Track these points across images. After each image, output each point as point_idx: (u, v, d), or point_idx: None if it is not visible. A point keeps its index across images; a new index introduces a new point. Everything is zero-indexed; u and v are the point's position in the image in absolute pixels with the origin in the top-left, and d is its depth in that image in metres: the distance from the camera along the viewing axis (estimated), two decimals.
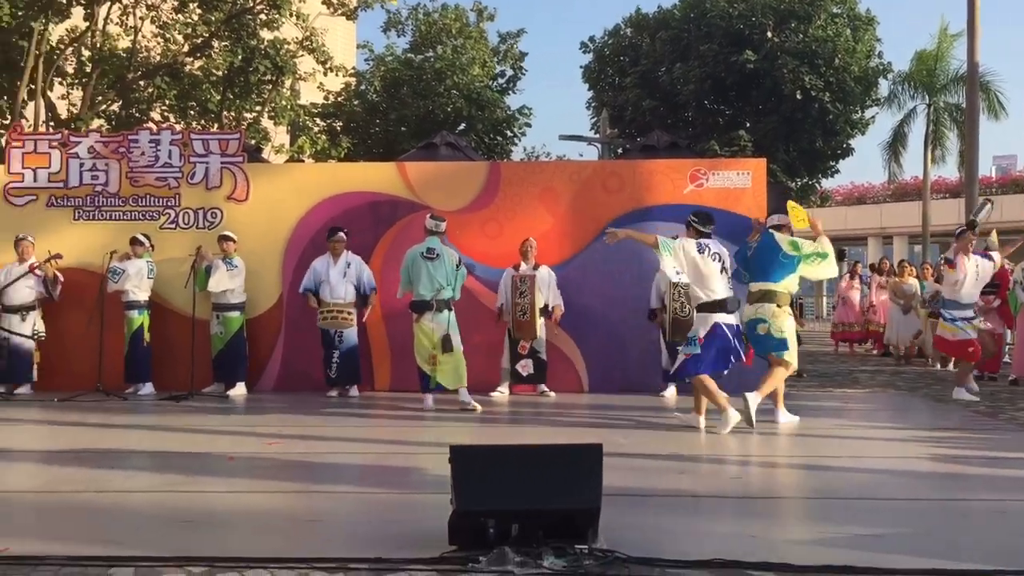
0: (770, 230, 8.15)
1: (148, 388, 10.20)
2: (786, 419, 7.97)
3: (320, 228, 10.61)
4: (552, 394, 9.92)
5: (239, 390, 10.16)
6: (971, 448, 6.95)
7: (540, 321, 9.86)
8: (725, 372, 7.80)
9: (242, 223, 10.64)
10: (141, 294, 10.19)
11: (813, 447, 7.23)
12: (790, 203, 8.55)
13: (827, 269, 8.17)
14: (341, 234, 10.06)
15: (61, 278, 10.28)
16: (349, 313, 9.98)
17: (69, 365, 10.35)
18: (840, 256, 10.29)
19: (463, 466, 4.06)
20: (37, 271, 10.17)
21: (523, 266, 9.98)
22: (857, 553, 4.01)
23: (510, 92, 25.11)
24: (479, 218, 10.61)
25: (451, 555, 3.95)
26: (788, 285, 7.92)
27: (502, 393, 9.96)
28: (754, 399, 7.59)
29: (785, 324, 7.83)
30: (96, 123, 16.43)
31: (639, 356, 10.45)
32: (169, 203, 10.74)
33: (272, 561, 3.91)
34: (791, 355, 7.91)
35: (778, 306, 7.82)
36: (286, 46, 18.10)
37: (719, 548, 4.05)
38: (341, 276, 9.98)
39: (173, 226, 10.71)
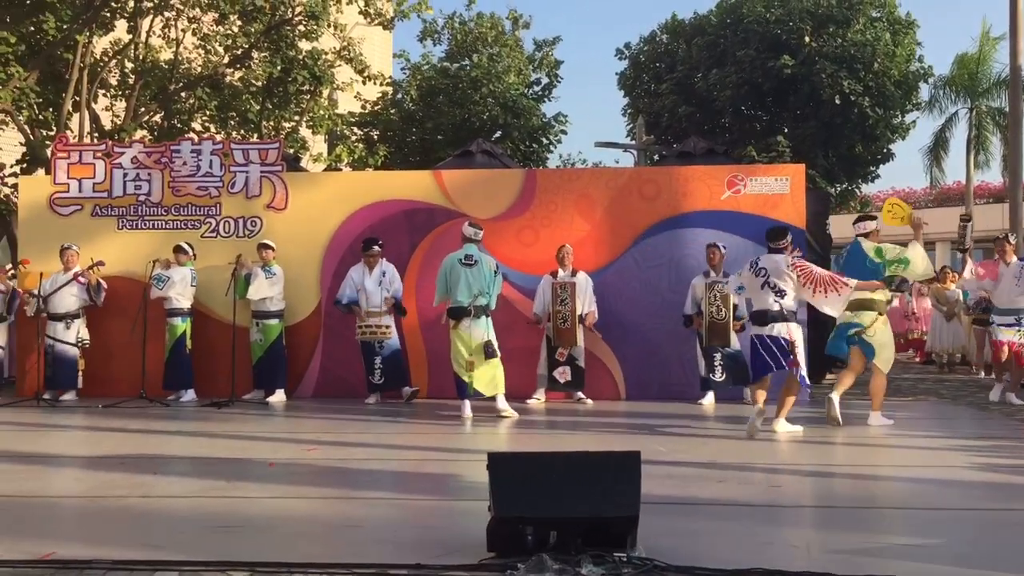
0: (858, 238, 8.50)
1: (190, 395, 10.33)
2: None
3: (358, 236, 10.69)
4: (589, 401, 9.91)
5: (279, 397, 10.26)
6: (1016, 458, 6.83)
7: (580, 328, 9.88)
8: (756, 380, 8.08)
9: (281, 231, 10.76)
10: (184, 301, 10.34)
11: (855, 456, 7.15)
12: (889, 200, 8.81)
13: (912, 274, 8.38)
14: (376, 247, 10.10)
15: (104, 285, 10.44)
16: (387, 327, 10.07)
17: (113, 372, 10.52)
18: None
19: (501, 473, 4.08)
20: (80, 279, 10.34)
21: (561, 273, 9.99)
22: (899, 563, 3.96)
23: (546, 100, 25.11)
24: (515, 225, 10.63)
25: (490, 561, 3.96)
26: (881, 292, 8.23)
27: (538, 400, 9.96)
28: (838, 399, 8.24)
29: (879, 331, 8.24)
30: (139, 134, 16.69)
31: (676, 363, 10.40)
32: (210, 212, 10.88)
33: (312, 566, 3.94)
34: (881, 361, 8.28)
35: (879, 314, 8.26)
36: (324, 56, 18.26)
37: (759, 557, 4.02)
38: (377, 285, 10.07)
39: (214, 235, 10.85)
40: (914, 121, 25.32)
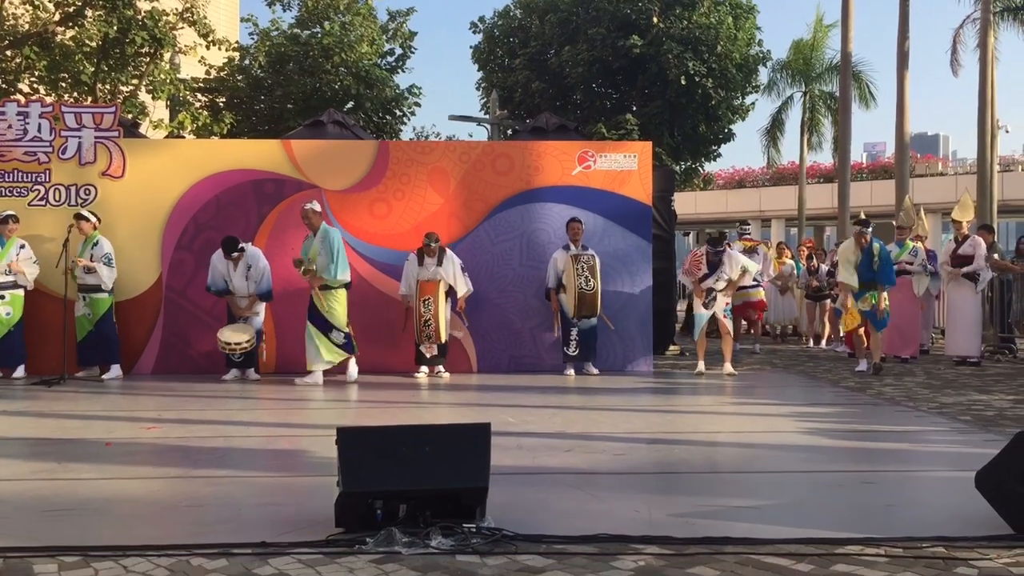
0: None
1: (20, 372, 9.74)
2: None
3: (202, 206, 10.30)
4: (447, 375, 9.91)
5: (114, 373, 9.80)
6: (843, 422, 7.27)
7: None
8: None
9: (118, 201, 10.23)
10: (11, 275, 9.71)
11: (694, 423, 7.44)
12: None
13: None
14: (236, 253, 9.57)
15: None
16: (256, 314, 9.83)
17: None
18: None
19: (349, 447, 4.02)
20: None
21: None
22: (735, 524, 4.15)
23: (399, 71, 24.78)
24: (367, 198, 10.48)
25: (338, 537, 3.91)
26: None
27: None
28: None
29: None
30: None
31: (528, 337, 10.55)
32: (39, 179, 10.22)
33: (150, 548, 3.79)
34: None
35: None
36: (165, 17, 17.39)
37: (603, 523, 4.12)
38: (244, 280, 9.69)
39: (43, 203, 10.20)
40: (753, 103, 26.44)
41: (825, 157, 34.14)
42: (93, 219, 9.82)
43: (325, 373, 9.45)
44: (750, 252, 12.97)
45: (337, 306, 9.43)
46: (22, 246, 9.76)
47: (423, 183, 10.55)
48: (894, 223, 13.91)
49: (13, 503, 4.64)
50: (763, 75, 27.16)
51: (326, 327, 9.42)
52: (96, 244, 9.75)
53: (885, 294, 10.59)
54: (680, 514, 4.37)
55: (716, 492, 4.96)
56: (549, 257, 10.28)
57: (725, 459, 5.96)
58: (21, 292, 9.78)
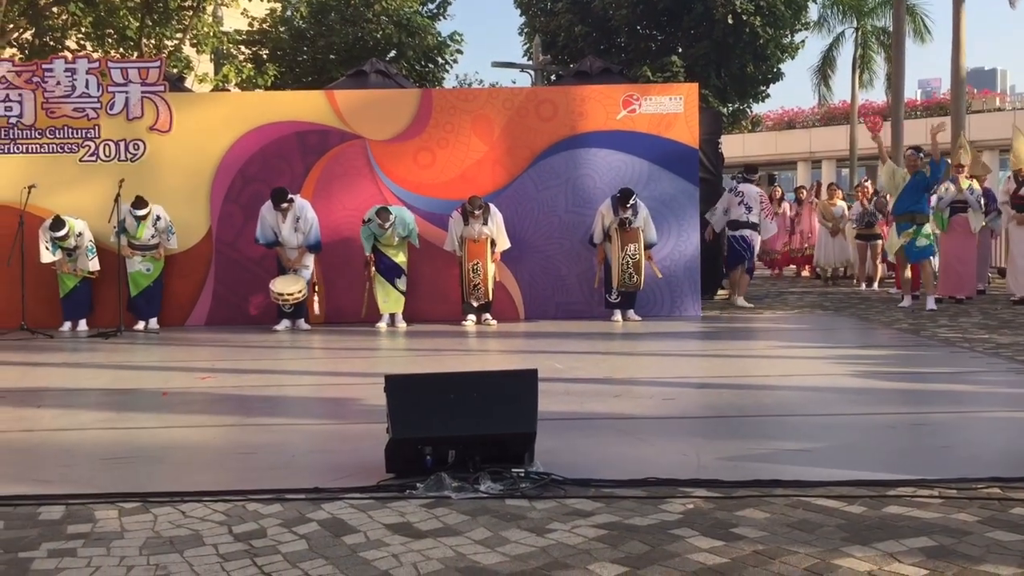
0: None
1: (83, 325, 10.00)
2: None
3: (249, 159, 10.36)
4: (495, 323, 9.94)
5: (154, 325, 10.03)
6: (895, 364, 7.17)
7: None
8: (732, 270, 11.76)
9: (167, 155, 10.32)
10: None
11: (743, 367, 7.39)
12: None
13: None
14: (285, 204, 9.63)
15: None
16: (306, 267, 9.91)
17: None
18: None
19: (398, 395, 4.05)
20: None
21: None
22: (785, 467, 4.12)
23: (441, 18, 24.55)
24: (412, 147, 10.45)
25: (389, 482, 3.96)
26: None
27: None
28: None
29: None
30: (7, 52, 15.69)
31: (575, 282, 10.51)
32: (88, 135, 10.34)
33: (206, 494, 3.87)
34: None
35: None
36: None
37: (653, 467, 4.13)
38: (292, 231, 9.78)
39: (94, 159, 10.34)
40: (803, 41, 25.74)
41: (878, 95, 33.31)
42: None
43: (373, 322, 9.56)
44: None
45: (404, 255, 9.87)
46: (158, 217, 9.92)
47: (467, 131, 10.49)
48: (949, 160, 13.55)
49: (75, 451, 4.77)
50: (813, 12, 26.49)
51: (395, 272, 9.75)
52: (158, 219, 9.89)
53: (927, 226, 10.85)
54: (729, 457, 4.35)
55: (766, 435, 4.93)
56: (595, 203, 10.18)
57: (775, 402, 5.91)
58: (161, 252, 10.04)
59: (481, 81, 28.98)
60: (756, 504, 3.66)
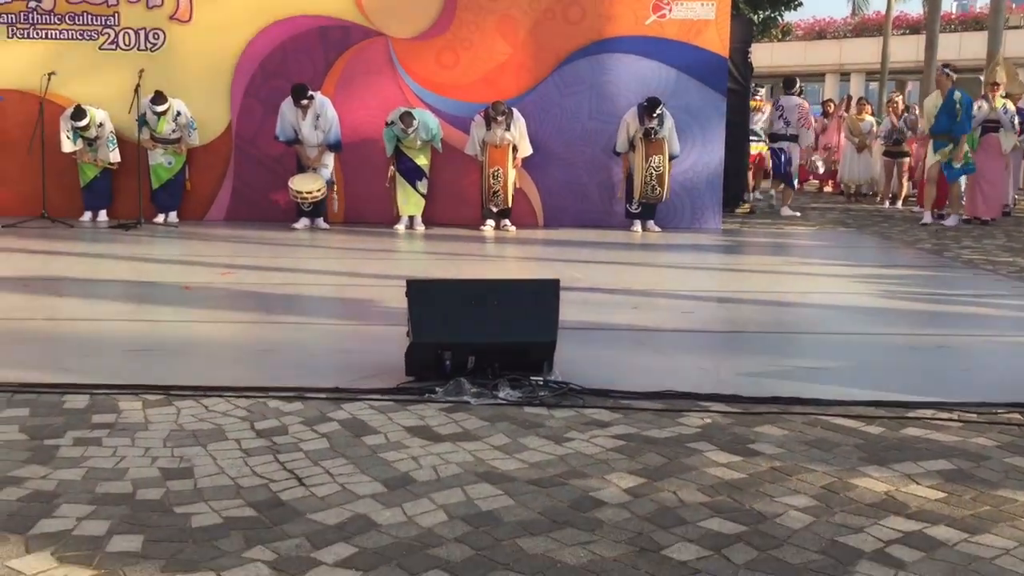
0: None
1: (103, 216, 10.01)
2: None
3: (269, 54, 10.16)
4: (513, 228, 9.88)
5: (174, 218, 10.03)
6: (918, 285, 7.11)
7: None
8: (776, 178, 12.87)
9: (186, 46, 10.14)
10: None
11: (763, 283, 7.34)
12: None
13: None
14: (305, 100, 9.43)
15: None
16: (325, 166, 9.80)
17: (14, 191, 10.04)
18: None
19: (419, 299, 4.04)
20: None
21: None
22: (804, 385, 4.12)
23: None
24: (435, 46, 10.21)
25: (408, 385, 3.99)
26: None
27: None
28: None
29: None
30: None
31: (596, 191, 10.40)
32: (108, 22, 10.15)
33: (228, 390, 3.91)
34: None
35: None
36: None
37: (670, 380, 4.13)
38: (312, 129, 9.63)
39: (113, 47, 10.16)
40: None
41: (913, 6, 32.41)
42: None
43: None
44: (755, 112, 13.78)
45: (425, 158, 9.77)
46: (178, 112, 9.78)
47: (492, 32, 10.23)
48: (981, 78, 13.24)
49: (98, 342, 4.81)
50: None
51: (417, 175, 9.70)
52: (178, 115, 9.77)
53: (965, 146, 10.73)
54: (748, 373, 4.35)
55: (785, 352, 4.92)
56: (620, 111, 9.98)
57: (795, 319, 5.89)
58: (183, 146, 9.95)
59: None
60: (774, 421, 3.67)
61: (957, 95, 10.58)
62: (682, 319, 5.71)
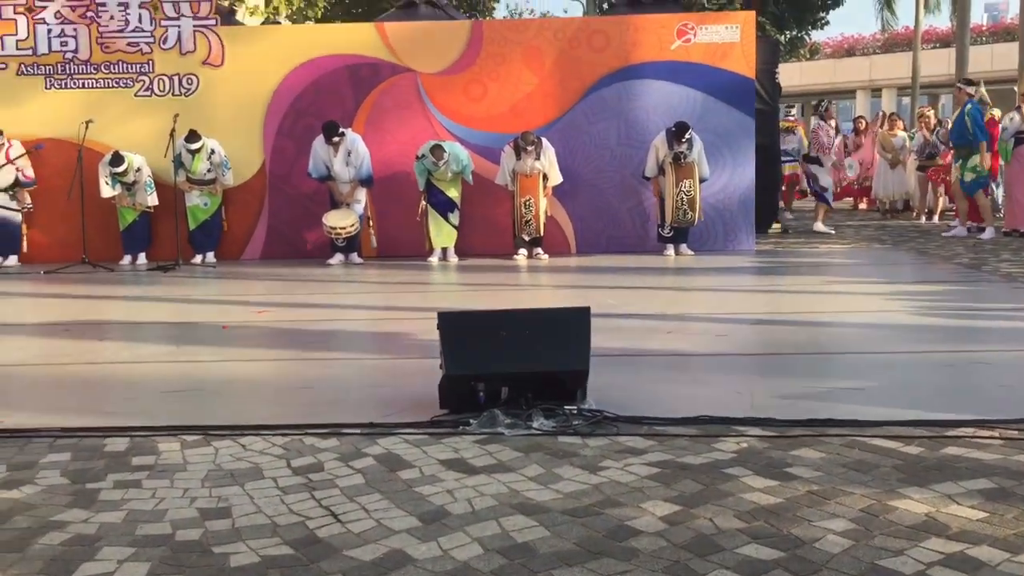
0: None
1: (142, 258, 10.20)
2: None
3: (300, 93, 10.34)
4: (546, 257, 9.91)
5: (211, 259, 10.19)
6: (955, 300, 7.02)
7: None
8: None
9: (220, 89, 10.35)
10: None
11: (798, 303, 7.29)
12: None
13: None
14: (336, 138, 9.59)
15: (31, 174, 10.11)
16: (358, 202, 9.91)
17: (55, 237, 10.26)
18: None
19: (451, 331, 4.06)
20: (17, 167, 10.05)
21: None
22: (840, 406, 4.07)
23: None
24: (462, 79, 10.33)
25: (442, 418, 4.00)
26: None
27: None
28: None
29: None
30: None
31: (627, 217, 10.41)
32: (143, 69, 10.40)
33: (265, 428, 3.95)
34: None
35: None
36: None
37: (706, 405, 4.10)
38: (344, 165, 9.77)
39: (148, 93, 10.40)
40: None
41: (943, 20, 32.11)
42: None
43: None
44: (789, 132, 13.63)
45: (456, 190, 9.83)
46: (212, 151, 10.00)
47: (518, 63, 10.33)
48: (1016, 88, 13.10)
49: (138, 384, 4.88)
50: None
51: (448, 207, 9.75)
52: (212, 153, 9.95)
53: (986, 155, 10.94)
54: (783, 396, 4.31)
55: (821, 373, 4.87)
56: (648, 136, 10.01)
57: (830, 339, 5.83)
58: (219, 187, 10.16)
59: (532, 11, 28.51)
60: (811, 443, 3.63)
61: (968, 107, 10.69)
62: (716, 343, 5.67)
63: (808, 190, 13.35)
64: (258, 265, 10.10)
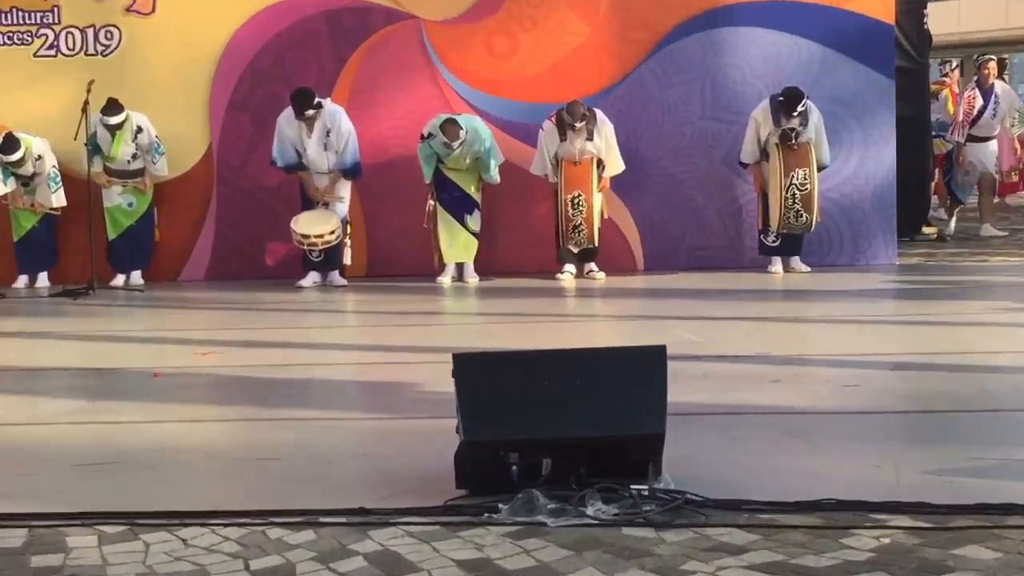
0: None
1: (43, 279, 10.35)
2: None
3: (259, 51, 10.46)
4: (601, 275, 9.93)
5: (136, 280, 10.35)
6: None
7: None
8: None
9: (148, 46, 10.49)
10: None
11: (958, 340, 7.25)
12: None
13: None
14: (311, 111, 9.69)
15: None
16: (340, 198, 10.03)
17: None
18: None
19: (471, 380, 4.07)
20: None
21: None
22: (1021, 486, 4.04)
23: None
24: (483, 30, 10.41)
25: (460, 503, 4.00)
26: None
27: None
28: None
29: None
30: None
31: (716, 217, 10.40)
32: (45, 20, 10.57)
33: (215, 515, 3.96)
34: None
35: None
36: None
37: (830, 485, 4.08)
38: (321, 148, 9.82)
39: (53, 52, 10.57)
40: None
41: None
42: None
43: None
44: (932, 97, 13.71)
45: (477, 183, 9.93)
46: (139, 129, 10.16)
47: (561, 6, 10.40)
48: None
49: (39, 455, 4.92)
50: None
51: (466, 207, 9.76)
52: (139, 132, 10.08)
53: None
54: (941, 470, 4.28)
55: (994, 439, 4.83)
56: (745, 106, 10.03)
57: (1008, 391, 5.79)
58: (148, 181, 10.34)
59: None
60: (981, 538, 3.60)
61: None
62: (844, 396, 5.66)
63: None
64: (202, 288, 10.20)
